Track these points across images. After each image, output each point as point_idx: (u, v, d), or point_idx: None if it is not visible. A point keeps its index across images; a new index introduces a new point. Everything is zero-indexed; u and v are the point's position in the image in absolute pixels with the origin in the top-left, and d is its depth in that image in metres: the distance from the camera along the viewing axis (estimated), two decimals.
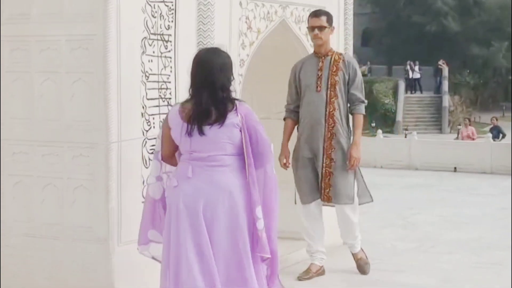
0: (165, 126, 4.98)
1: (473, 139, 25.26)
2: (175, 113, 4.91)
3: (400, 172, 14.32)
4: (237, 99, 4.91)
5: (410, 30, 52.48)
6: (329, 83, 6.87)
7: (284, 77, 7.57)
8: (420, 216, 10.10)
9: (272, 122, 8.02)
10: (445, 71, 46.22)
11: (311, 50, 7.34)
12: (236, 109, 4.81)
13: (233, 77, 4.95)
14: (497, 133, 26.12)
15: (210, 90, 4.79)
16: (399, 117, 42.93)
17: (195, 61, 4.90)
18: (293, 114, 7.09)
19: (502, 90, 52.30)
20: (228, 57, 4.97)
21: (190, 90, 4.90)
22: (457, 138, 26.61)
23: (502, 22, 49.89)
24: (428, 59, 48.57)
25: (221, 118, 4.77)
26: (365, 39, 58.94)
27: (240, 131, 4.81)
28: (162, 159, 5.07)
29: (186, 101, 4.91)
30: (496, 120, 27.86)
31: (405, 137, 24.91)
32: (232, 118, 4.79)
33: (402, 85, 45.74)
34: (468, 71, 50.01)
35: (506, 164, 13.79)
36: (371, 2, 56.62)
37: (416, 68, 47.55)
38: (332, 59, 6.94)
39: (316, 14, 6.99)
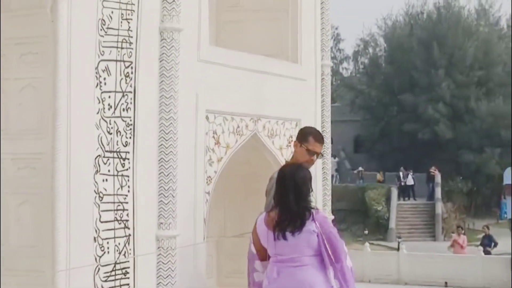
0: (254, 233, 5.59)
1: (463, 247, 24.70)
2: (261, 221, 5.51)
3: (389, 287, 13.74)
4: (313, 208, 5.47)
5: (402, 137, 52.42)
6: None
7: (258, 192, 7.12)
8: None
9: (248, 240, 7.54)
10: (438, 177, 45.93)
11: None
12: (312, 218, 5.41)
13: (312, 189, 5.59)
14: (489, 242, 25.54)
15: (292, 200, 5.42)
16: (392, 224, 42.37)
17: (280, 175, 5.56)
18: None
19: (496, 196, 51.95)
20: (308, 172, 5.64)
21: (274, 200, 5.55)
22: (451, 246, 26.03)
23: (494, 129, 49.91)
24: (421, 166, 48.38)
25: (300, 226, 5.37)
26: (357, 146, 58.91)
27: (317, 236, 5.41)
28: (261, 259, 5.66)
29: (271, 210, 5.51)
30: (488, 228, 27.34)
31: (398, 245, 24.37)
32: (309, 225, 5.39)
33: (394, 192, 45.38)
34: (461, 177, 49.75)
35: (499, 278, 13.22)
36: (363, 109, 56.78)
37: (410, 174, 47.32)
38: None
39: (322, 140, 6.44)
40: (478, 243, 24.14)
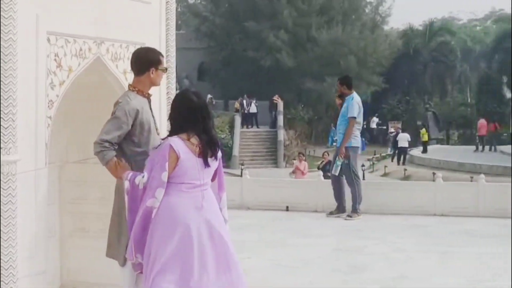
0: (173, 160, 5.58)
1: (304, 173, 25.36)
2: (184, 149, 5.61)
3: (232, 212, 13.89)
4: None
5: (246, 65, 52.88)
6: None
7: (102, 117, 7.00)
8: (251, 261, 9.67)
9: (90, 166, 7.45)
10: (280, 105, 46.76)
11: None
12: (220, 144, 5.84)
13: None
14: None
15: (210, 126, 5.76)
16: (236, 151, 43.01)
17: (185, 100, 5.73)
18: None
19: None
20: None
21: (175, 126, 5.69)
22: (292, 172, 26.66)
23: (334, 57, 51.02)
24: (264, 94, 49.04)
25: (217, 152, 5.77)
26: (201, 73, 58.98)
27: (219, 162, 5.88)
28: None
29: (190, 137, 5.65)
30: (328, 155, 28.10)
31: (241, 172, 24.74)
32: (220, 152, 5.85)
33: (238, 120, 45.95)
34: (302, 105, 50.77)
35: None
36: (208, 36, 56.76)
37: (253, 102, 47.91)
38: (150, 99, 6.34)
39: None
40: (317, 172, 24.85)
